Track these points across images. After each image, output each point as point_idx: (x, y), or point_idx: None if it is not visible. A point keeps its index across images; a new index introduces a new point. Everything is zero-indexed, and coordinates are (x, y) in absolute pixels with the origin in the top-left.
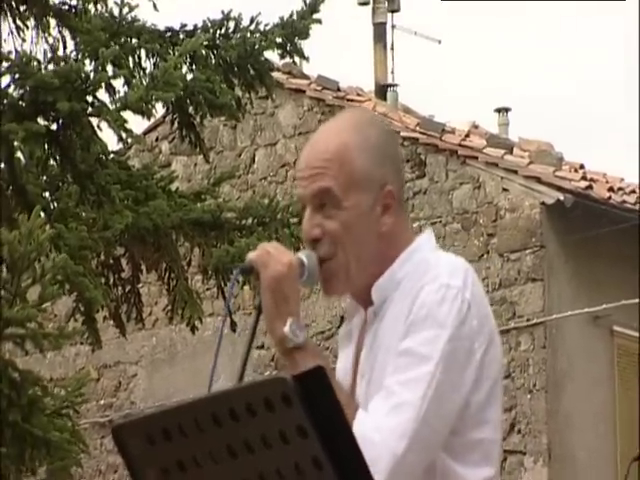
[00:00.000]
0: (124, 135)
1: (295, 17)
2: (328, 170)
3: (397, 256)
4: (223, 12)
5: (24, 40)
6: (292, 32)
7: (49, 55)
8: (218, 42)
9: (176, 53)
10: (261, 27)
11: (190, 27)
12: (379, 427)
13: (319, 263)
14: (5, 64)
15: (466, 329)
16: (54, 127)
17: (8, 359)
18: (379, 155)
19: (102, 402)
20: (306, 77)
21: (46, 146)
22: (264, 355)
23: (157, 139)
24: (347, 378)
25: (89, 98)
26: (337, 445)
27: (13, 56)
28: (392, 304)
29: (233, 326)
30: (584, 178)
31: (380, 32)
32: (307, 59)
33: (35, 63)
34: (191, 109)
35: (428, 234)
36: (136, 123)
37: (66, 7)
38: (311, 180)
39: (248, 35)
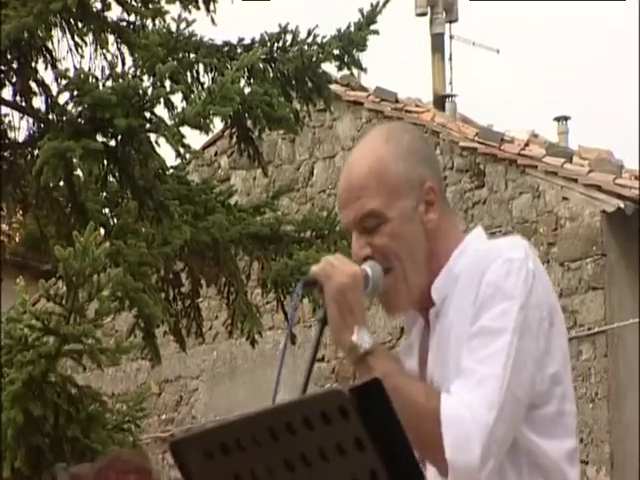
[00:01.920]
0: (182, 150)
1: (352, 29)
2: (367, 190)
3: (450, 253)
4: (280, 25)
5: (82, 57)
6: (349, 44)
7: (107, 72)
8: (276, 55)
9: (234, 67)
10: (318, 39)
11: (248, 41)
12: (466, 403)
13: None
14: (63, 81)
15: (534, 298)
16: (112, 143)
17: (67, 375)
18: (413, 157)
19: (164, 417)
20: (364, 89)
21: (105, 163)
22: (324, 368)
23: (216, 154)
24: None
25: (147, 114)
26: (395, 457)
27: (71, 73)
28: (453, 300)
29: (293, 339)
30: None
31: (438, 43)
32: (365, 70)
33: (93, 80)
34: (249, 123)
35: (479, 230)
36: (195, 138)
37: (124, 23)
38: (353, 207)
39: (305, 48)
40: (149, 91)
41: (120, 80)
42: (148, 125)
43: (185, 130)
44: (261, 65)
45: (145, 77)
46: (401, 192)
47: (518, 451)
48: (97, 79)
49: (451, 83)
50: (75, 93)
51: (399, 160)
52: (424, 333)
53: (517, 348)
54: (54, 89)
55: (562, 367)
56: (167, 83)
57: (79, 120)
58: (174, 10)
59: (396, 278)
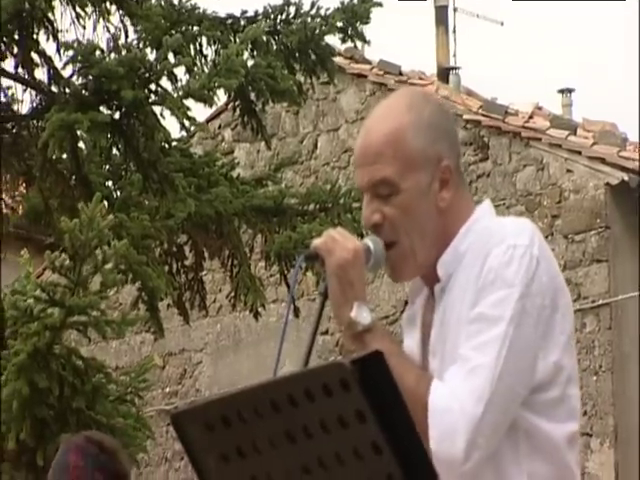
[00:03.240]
0: (187, 123)
1: (356, 1)
2: (383, 157)
3: (459, 230)
4: None
5: (84, 28)
6: (353, 16)
7: (111, 44)
8: (279, 28)
9: (237, 40)
10: (322, 12)
11: (251, 13)
12: (455, 393)
13: (385, 248)
14: (67, 53)
15: (536, 285)
16: (117, 116)
17: (72, 347)
18: (433, 132)
19: (167, 390)
20: (368, 62)
21: (109, 135)
22: (328, 341)
23: (220, 127)
24: (415, 361)
25: (152, 86)
26: (396, 429)
27: (76, 45)
28: (458, 277)
29: (297, 312)
30: None
31: (442, 15)
32: (368, 43)
33: (98, 52)
34: (253, 96)
35: (487, 204)
36: (199, 111)
37: None
38: (368, 169)
39: (309, 20)
40: (154, 63)
41: (125, 52)
42: (153, 97)
43: (189, 103)
44: (264, 38)
45: (149, 50)
46: (417, 165)
47: (516, 432)
48: (102, 51)
49: (455, 56)
50: (80, 65)
51: (419, 132)
52: (427, 306)
53: (513, 337)
54: (57, 61)
55: (566, 352)
56: (171, 56)
57: (84, 92)
58: None
59: (403, 251)
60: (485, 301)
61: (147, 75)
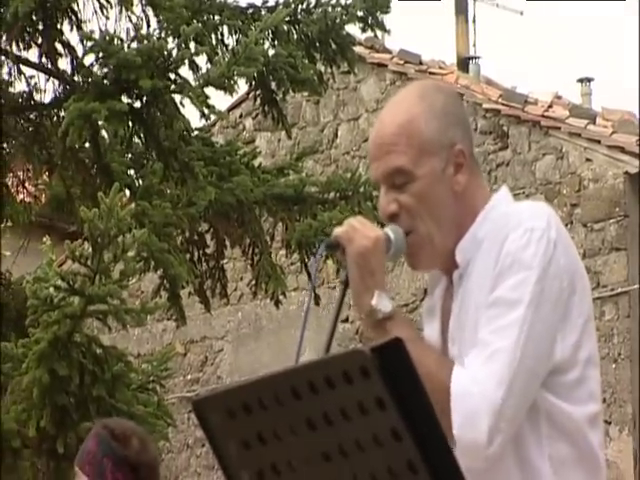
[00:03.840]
0: (206, 111)
1: None
2: (396, 146)
3: (476, 215)
4: None
5: (107, 18)
6: (373, 5)
7: (132, 34)
8: (299, 17)
9: (258, 29)
10: (342, 1)
11: (272, 3)
12: (476, 378)
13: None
14: (89, 43)
15: (553, 268)
16: (137, 105)
17: (92, 335)
18: (445, 118)
19: (189, 377)
20: (388, 51)
21: (130, 124)
22: (348, 329)
23: (241, 115)
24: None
25: (172, 75)
26: (416, 416)
27: (97, 35)
28: (476, 263)
29: (317, 300)
30: None
31: (462, 4)
32: (388, 32)
33: (118, 42)
34: (273, 85)
35: (504, 191)
36: (220, 100)
37: None
38: (381, 161)
39: (329, 9)
40: (174, 52)
41: (145, 42)
42: (173, 86)
43: (210, 92)
44: (285, 27)
45: (170, 39)
46: (430, 152)
47: (537, 413)
48: (122, 41)
49: (475, 45)
50: (100, 55)
51: (431, 120)
52: (446, 295)
53: (532, 320)
54: (79, 51)
55: (585, 334)
56: (192, 45)
57: (104, 82)
58: None
59: (421, 238)
60: (503, 285)
61: (166, 64)
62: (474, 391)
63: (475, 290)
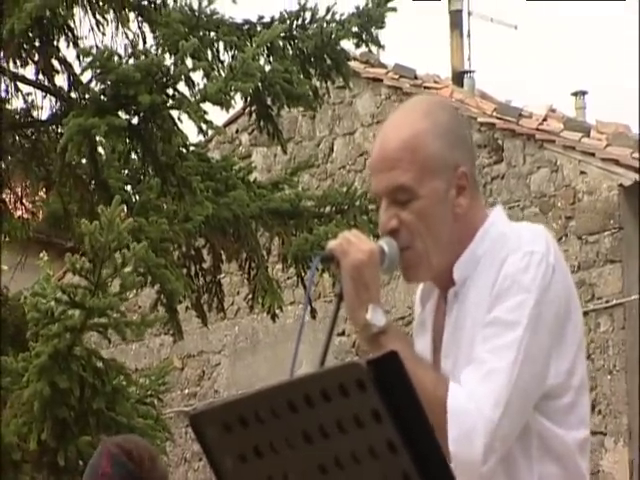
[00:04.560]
0: (204, 127)
1: (371, 6)
2: (401, 163)
3: (474, 234)
4: (299, 3)
5: (104, 34)
6: (368, 21)
7: (129, 50)
8: (295, 33)
9: (254, 45)
10: (337, 17)
11: (267, 19)
12: (473, 396)
13: (399, 251)
14: (86, 59)
15: (552, 293)
16: (135, 121)
17: (92, 349)
18: (450, 139)
19: (186, 391)
20: (383, 66)
21: (127, 140)
22: (345, 342)
23: (237, 131)
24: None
25: (169, 91)
26: (412, 429)
27: (94, 51)
28: (473, 282)
29: (314, 313)
30: None
31: (456, 19)
32: (383, 47)
33: (116, 58)
34: (269, 100)
35: (498, 209)
36: (216, 116)
37: (145, 1)
38: (385, 175)
39: (324, 25)
40: (172, 68)
41: (142, 58)
42: (171, 102)
43: (206, 108)
44: (280, 43)
45: (167, 55)
46: (434, 172)
47: (529, 435)
48: (120, 57)
49: (469, 59)
50: (98, 71)
51: (436, 139)
52: (438, 311)
53: (528, 343)
54: (76, 67)
55: (578, 359)
56: (188, 61)
57: (102, 98)
58: None
59: (418, 256)
60: (501, 306)
61: (164, 80)
62: (471, 409)
63: (472, 308)
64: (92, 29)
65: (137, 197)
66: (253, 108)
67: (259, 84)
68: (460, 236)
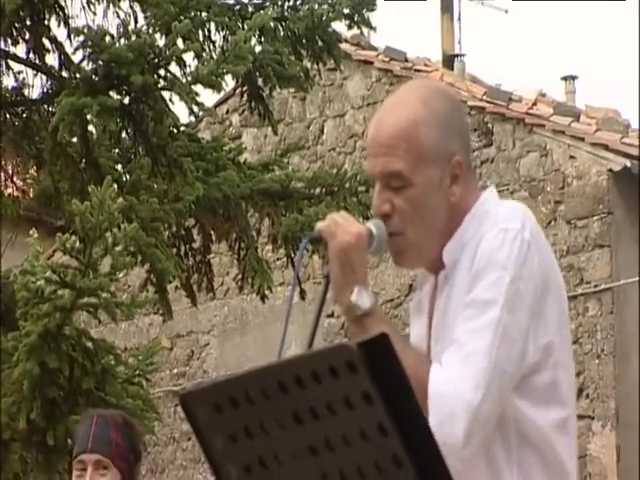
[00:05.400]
0: (195, 108)
1: None
2: (396, 149)
3: (464, 218)
4: None
5: (95, 14)
6: (359, 3)
7: (121, 30)
8: (286, 14)
9: (245, 26)
10: None
11: (259, 0)
12: (453, 380)
13: (389, 235)
14: (78, 38)
15: (527, 269)
16: (127, 101)
17: (82, 329)
18: (447, 127)
19: (175, 371)
20: (374, 48)
21: (119, 119)
22: (334, 323)
23: (228, 112)
24: (422, 348)
25: (161, 72)
26: (402, 410)
27: (86, 31)
28: (460, 264)
29: (303, 295)
30: None
31: (447, 2)
32: (374, 30)
33: (108, 38)
34: (260, 81)
35: (489, 191)
36: (207, 96)
37: None
38: (380, 160)
39: (316, 7)
40: (164, 49)
41: (134, 38)
42: (162, 82)
43: (197, 88)
44: (272, 24)
45: (158, 35)
46: (429, 160)
47: (507, 421)
48: (112, 37)
49: (460, 42)
50: (91, 50)
51: (432, 128)
52: (433, 293)
53: (506, 322)
54: (67, 46)
55: (557, 336)
56: (180, 41)
57: (94, 77)
58: None
59: (408, 242)
60: (478, 285)
61: (156, 60)
62: (451, 392)
63: (456, 290)
64: (83, 8)
65: (128, 176)
66: (244, 89)
67: (250, 65)
68: (452, 222)
